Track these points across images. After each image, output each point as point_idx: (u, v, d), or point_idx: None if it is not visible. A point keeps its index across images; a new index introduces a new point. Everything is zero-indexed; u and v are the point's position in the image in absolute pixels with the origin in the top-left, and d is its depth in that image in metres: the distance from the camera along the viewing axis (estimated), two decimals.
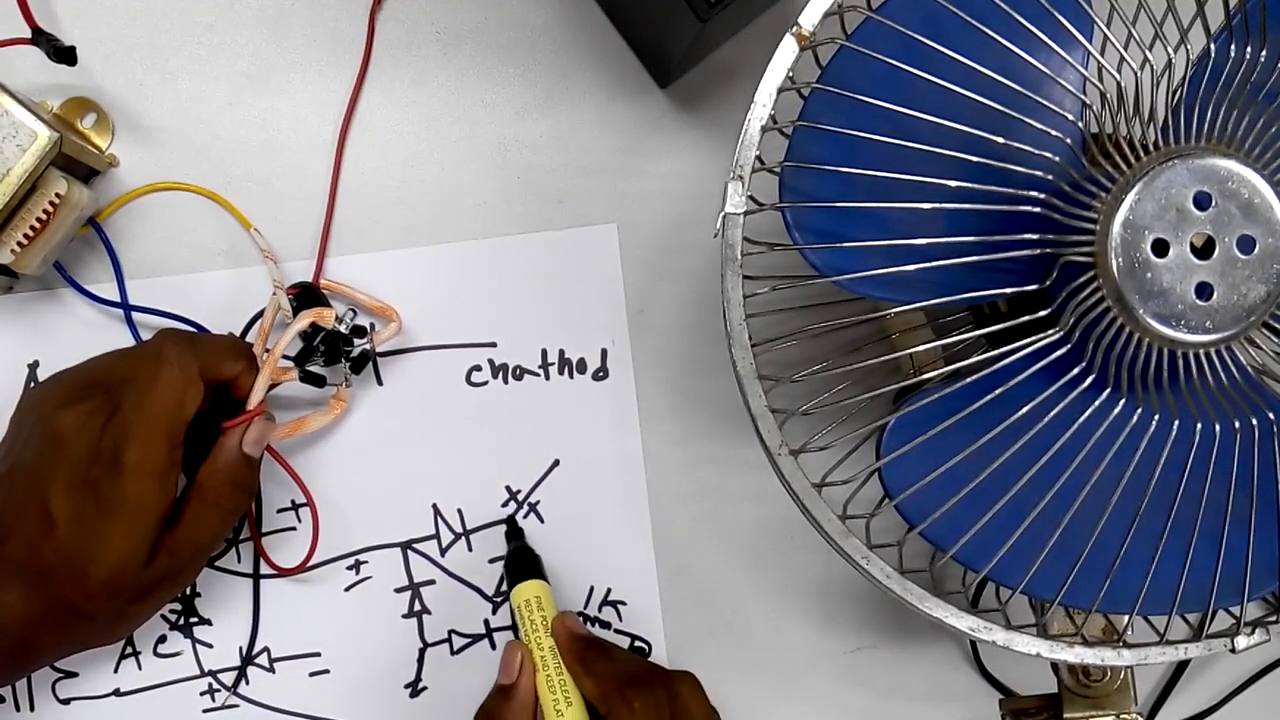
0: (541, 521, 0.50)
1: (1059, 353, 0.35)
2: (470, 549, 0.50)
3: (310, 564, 0.48)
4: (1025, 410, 0.35)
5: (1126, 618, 0.38)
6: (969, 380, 0.36)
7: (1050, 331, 0.35)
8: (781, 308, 0.41)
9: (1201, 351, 0.34)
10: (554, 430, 0.50)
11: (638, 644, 0.50)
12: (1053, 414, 0.35)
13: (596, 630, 0.50)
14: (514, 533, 0.49)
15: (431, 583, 0.49)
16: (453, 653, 0.49)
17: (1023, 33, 0.35)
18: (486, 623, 0.49)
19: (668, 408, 0.50)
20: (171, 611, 0.49)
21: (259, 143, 0.50)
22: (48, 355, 0.49)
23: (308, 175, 0.50)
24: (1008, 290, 0.36)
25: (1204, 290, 0.33)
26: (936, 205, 0.35)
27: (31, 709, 0.48)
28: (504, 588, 0.49)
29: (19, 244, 0.44)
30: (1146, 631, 0.38)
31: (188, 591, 0.49)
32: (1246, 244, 0.33)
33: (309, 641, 0.49)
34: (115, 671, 0.48)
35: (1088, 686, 0.43)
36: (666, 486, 0.50)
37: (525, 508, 0.50)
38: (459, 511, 0.50)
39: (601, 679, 0.44)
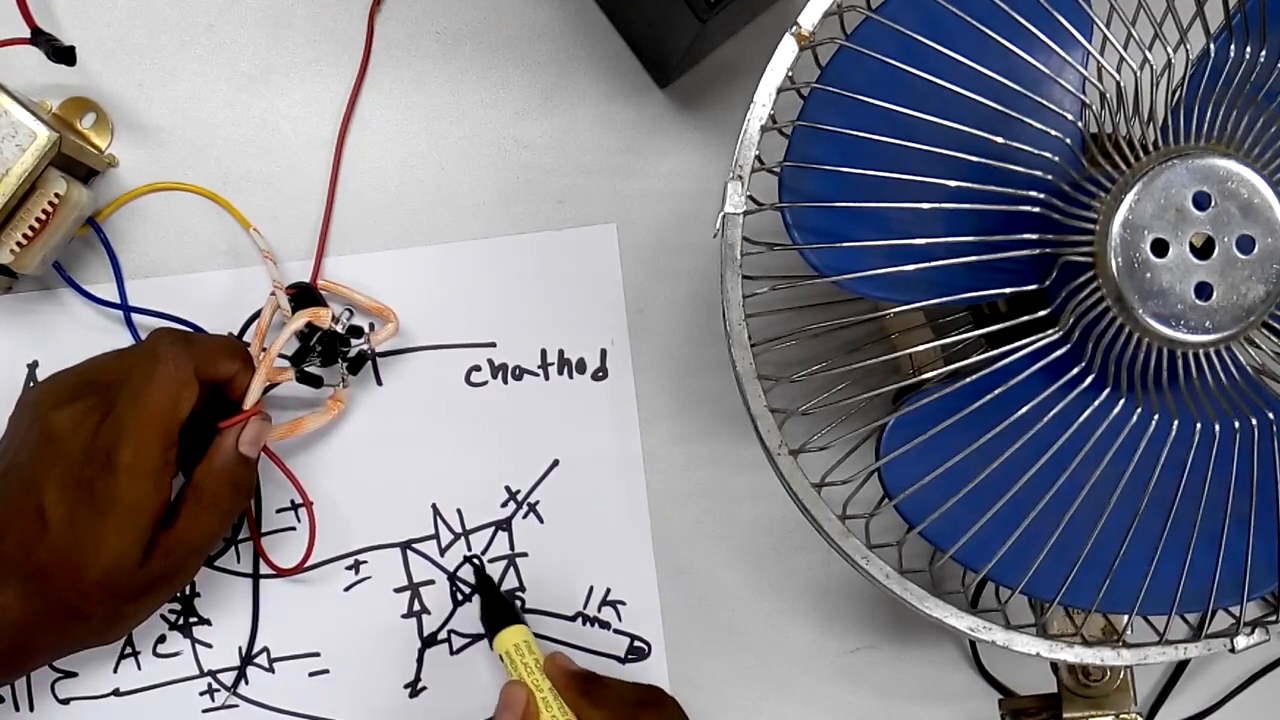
0: (541, 521, 0.50)
1: (1058, 353, 0.35)
2: (470, 549, 0.49)
3: (309, 564, 0.48)
4: (1025, 410, 0.35)
5: (1126, 617, 0.38)
6: (968, 380, 0.36)
7: (1050, 331, 0.35)
8: (781, 308, 0.41)
9: (1201, 351, 0.34)
10: (553, 430, 0.50)
11: (637, 644, 0.50)
12: (1052, 414, 0.35)
13: (595, 630, 0.50)
14: (483, 580, 0.48)
15: (431, 583, 0.49)
16: (452, 653, 0.49)
17: (1022, 33, 0.35)
18: None
19: (667, 408, 0.50)
20: (171, 611, 0.49)
21: (259, 143, 0.50)
22: (47, 355, 0.48)
23: (307, 175, 0.50)
24: (1007, 290, 0.36)
25: (1203, 290, 0.33)
26: (936, 205, 0.35)
27: (31, 709, 0.48)
28: (483, 632, 0.48)
29: (18, 244, 0.44)
30: (1146, 631, 0.38)
31: (187, 591, 0.49)
32: (1246, 244, 0.33)
33: (308, 641, 0.49)
34: (115, 671, 0.48)
35: (1087, 686, 0.43)
36: (666, 486, 0.50)
37: (525, 508, 0.50)
38: (458, 511, 0.50)
39: (611, 709, 0.44)
